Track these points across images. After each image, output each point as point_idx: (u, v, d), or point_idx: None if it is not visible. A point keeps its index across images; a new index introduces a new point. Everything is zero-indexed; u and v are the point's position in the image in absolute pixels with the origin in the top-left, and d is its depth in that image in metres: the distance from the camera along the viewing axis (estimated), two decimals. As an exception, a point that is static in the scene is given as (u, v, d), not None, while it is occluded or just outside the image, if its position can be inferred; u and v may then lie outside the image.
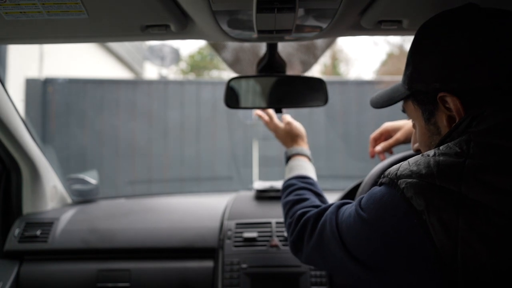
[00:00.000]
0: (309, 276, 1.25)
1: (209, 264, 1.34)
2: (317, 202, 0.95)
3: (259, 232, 1.35)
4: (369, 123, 4.13)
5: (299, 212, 0.89)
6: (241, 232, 1.35)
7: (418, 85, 0.68)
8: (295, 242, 0.87)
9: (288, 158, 1.17)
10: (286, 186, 1.06)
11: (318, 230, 0.78)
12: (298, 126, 1.24)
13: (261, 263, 1.28)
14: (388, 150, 1.14)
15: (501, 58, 0.60)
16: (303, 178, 1.06)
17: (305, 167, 1.12)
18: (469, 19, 0.63)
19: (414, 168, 0.60)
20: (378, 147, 1.13)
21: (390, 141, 1.13)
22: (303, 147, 1.19)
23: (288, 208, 0.96)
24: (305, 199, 0.96)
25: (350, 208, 0.72)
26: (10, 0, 0.72)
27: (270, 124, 1.26)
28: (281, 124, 1.24)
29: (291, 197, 0.99)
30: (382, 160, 1.12)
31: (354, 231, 0.67)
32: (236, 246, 1.32)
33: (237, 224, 1.39)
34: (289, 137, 1.22)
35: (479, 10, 0.64)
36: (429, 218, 0.55)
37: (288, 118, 1.25)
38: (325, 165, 4.19)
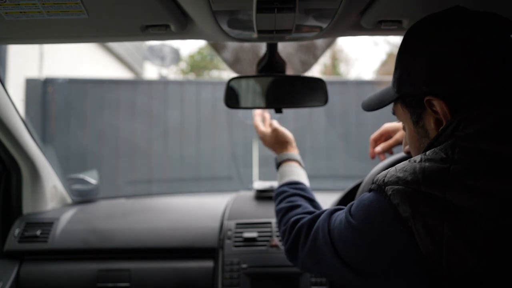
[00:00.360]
0: (309, 276, 1.25)
1: (209, 264, 1.34)
2: (309, 208, 0.95)
3: (259, 232, 1.35)
4: (369, 123, 4.13)
5: (292, 219, 0.89)
6: (241, 232, 1.35)
7: (406, 88, 0.68)
8: (290, 250, 0.87)
9: (279, 164, 1.17)
10: (278, 193, 1.06)
11: (312, 237, 0.78)
12: (284, 131, 1.24)
13: (261, 263, 1.28)
14: (388, 151, 1.14)
15: (487, 61, 0.59)
16: (295, 184, 1.07)
17: (296, 173, 1.12)
18: (455, 22, 0.63)
19: (401, 175, 0.60)
20: (378, 148, 1.14)
21: (390, 141, 1.13)
22: (293, 152, 1.20)
23: (281, 216, 0.96)
24: (298, 206, 0.96)
25: (341, 214, 0.72)
26: (10, 0, 0.72)
27: (258, 131, 1.26)
28: (267, 131, 1.24)
29: (283, 205, 0.99)
30: (382, 160, 1.12)
31: (345, 238, 0.68)
32: (236, 246, 1.32)
33: (237, 224, 1.39)
34: (277, 143, 1.22)
35: (466, 12, 0.64)
36: (414, 224, 0.55)
37: (275, 124, 1.25)
38: (325, 165, 4.19)
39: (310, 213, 0.89)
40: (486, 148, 0.56)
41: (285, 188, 1.05)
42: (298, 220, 0.88)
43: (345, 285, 1.20)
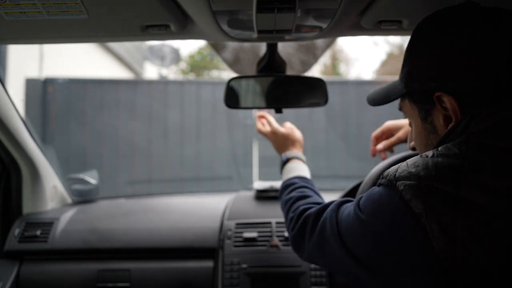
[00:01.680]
0: (309, 276, 1.25)
1: (209, 264, 1.34)
2: (319, 200, 0.95)
3: (259, 232, 1.35)
4: (369, 123, 4.13)
5: (301, 207, 0.89)
6: (241, 232, 1.35)
7: (414, 84, 0.68)
8: (296, 237, 0.87)
9: (286, 161, 1.17)
10: (288, 184, 1.06)
11: (319, 228, 0.78)
12: (296, 130, 1.25)
13: (261, 263, 1.28)
14: (390, 149, 1.13)
15: (486, 62, 0.59)
16: (305, 179, 1.08)
17: (305, 171, 1.13)
18: (466, 18, 0.62)
19: (413, 170, 0.59)
20: (380, 146, 1.13)
21: (392, 139, 1.12)
22: (300, 152, 1.21)
23: (291, 204, 0.96)
24: (308, 196, 0.97)
25: (349, 207, 0.71)
26: (10, 0, 0.72)
27: (263, 132, 1.26)
28: (281, 129, 1.24)
29: (294, 194, 0.99)
30: (383, 158, 1.12)
31: (352, 231, 0.67)
32: (236, 246, 1.32)
33: (237, 224, 1.39)
34: (289, 140, 1.22)
35: (477, 9, 0.63)
36: (427, 221, 0.54)
37: (289, 123, 1.26)
38: (325, 165, 4.19)
39: (319, 204, 0.89)
40: (496, 145, 0.55)
41: (295, 180, 1.06)
42: (306, 209, 0.87)
43: (346, 284, 1.20)
